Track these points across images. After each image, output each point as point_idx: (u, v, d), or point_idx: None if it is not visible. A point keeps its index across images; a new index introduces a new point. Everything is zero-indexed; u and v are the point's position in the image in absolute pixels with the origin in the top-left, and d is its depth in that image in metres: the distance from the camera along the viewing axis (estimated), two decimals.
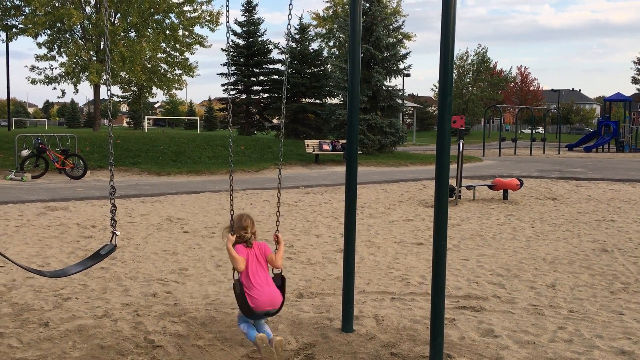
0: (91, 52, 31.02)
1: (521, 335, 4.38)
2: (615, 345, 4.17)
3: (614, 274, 6.25)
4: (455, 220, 9.76)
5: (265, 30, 38.10)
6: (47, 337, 4.26)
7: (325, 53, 40.62)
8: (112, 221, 3.91)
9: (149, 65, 33.04)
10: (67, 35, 31.59)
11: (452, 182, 11.62)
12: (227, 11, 4.07)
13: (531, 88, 74.57)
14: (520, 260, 6.91)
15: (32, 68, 31.85)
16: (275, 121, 39.33)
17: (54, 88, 33.53)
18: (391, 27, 28.35)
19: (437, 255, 3.76)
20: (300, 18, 34.03)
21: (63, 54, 31.49)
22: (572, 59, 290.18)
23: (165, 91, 35.16)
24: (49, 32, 30.72)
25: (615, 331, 4.48)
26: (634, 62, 60.02)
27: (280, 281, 3.76)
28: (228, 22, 4.15)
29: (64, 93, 48.56)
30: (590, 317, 4.83)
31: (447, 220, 3.78)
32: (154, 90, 37.35)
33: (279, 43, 40.29)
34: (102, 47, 30.67)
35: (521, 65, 77.01)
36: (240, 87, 36.85)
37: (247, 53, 36.09)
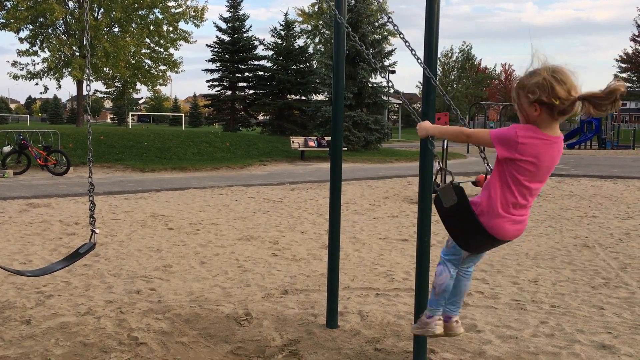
0: (74, 48, 30.70)
1: (504, 330, 4.42)
2: (596, 340, 4.23)
3: (595, 269, 6.33)
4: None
5: (251, 26, 37.88)
6: (29, 335, 4.23)
7: (310, 49, 40.56)
8: (91, 219, 3.87)
9: (132, 61, 32.78)
10: (50, 30, 31.23)
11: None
12: None
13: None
14: (503, 256, 6.97)
15: (14, 63, 31.45)
16: (260, 117, 39.21)
17: (37, 84, 33.07)
18: (376, 23, 28.40)
19: (421, 251, 3.78)
20: (286, 14, 33.95)
21: (45, 49, 31.13)
22: (555, 57, 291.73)
23: (150, 87, 34.93)
24: (31, 27, 30.35)
25: (596, 325, 4.54)
26: (616, 60, 60.77)
27: None
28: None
29: (46, 89, 48.01)
30: (571, 311, 4.89)
31: (430, 216, 3.81)
32: (138, 86, 37.06)
33: (264, 39, 40.14)
34: (84, 42, 30.36)
35: (505, 63, 77.61)
36: (225, 84, 36.68)
37: (232, 49, 35.91)
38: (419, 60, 3.56)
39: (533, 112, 2.65)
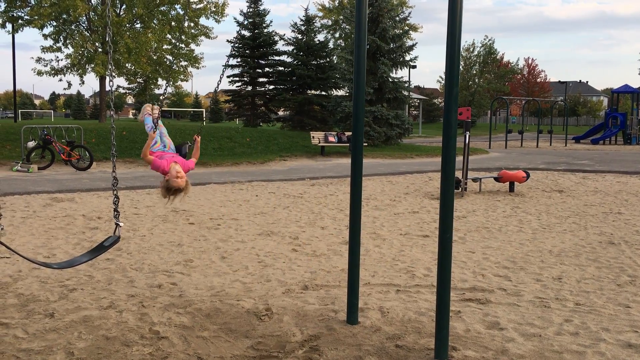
0: (97, 44, 30.99)
1: (527, 327, 4.36)
2: (622, 339, 4.14)
3: (620, 267, 6.22)
4: (461, 213, 9.72)
5: (271, 21, 37.88)
6: (53, 328, 4.28)
7: (331, 45, 40.43)
8: (115, 212, 3.91)
9: (154, 57, 33.01)
10: (73, 27, 31.55)
11: (458, 174, 11.57)
12: None
13: (538, 80, 74.13)
14: (527, 253, 6.88)
15: (38, 60, 31.84)
16: (280, 113, 39.24)
17: (60, 80, 33.54)
18: (397, 18, 28.19)
19: (442, 247, 3.74)
20: (306, 9, 33.87)
21: (69, 46, 31.47)
22: (578, 51, 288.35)
23: (171, 83, 35.13)
24: (54, 23, 30.69)
25: (621, 324, 4.45)
26: None
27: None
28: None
29: (70, 85, 48.54)
30: (596, 310, 4.80)
31: (452, 212, 3.76)
32: (160, 82, 37.32)
33: (284, 34, 40.14)
34: (107, 38, 30.70)
35: (529, 57, 76.58)
36: (245, 79, 36.76)
37: (253, 44, 35.95)
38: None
39: None
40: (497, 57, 64.13)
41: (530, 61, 74.87)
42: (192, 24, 32.50)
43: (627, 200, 11.32)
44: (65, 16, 29.94)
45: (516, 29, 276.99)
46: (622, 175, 16.40)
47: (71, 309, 4.71)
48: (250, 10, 36.57)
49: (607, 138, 36.08)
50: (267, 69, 36.70)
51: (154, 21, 31.96)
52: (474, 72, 63.67)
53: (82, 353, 3.84)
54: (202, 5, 32.08)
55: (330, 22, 51.97)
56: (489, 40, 65.63)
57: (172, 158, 4.31)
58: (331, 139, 22.72)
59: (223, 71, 4.51)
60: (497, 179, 12.85)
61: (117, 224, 3.94)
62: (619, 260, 6.51)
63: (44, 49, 31.06)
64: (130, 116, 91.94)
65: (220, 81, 4.63)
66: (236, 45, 34.09)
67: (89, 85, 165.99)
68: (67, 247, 6.88)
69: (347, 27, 46.15)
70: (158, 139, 4.38)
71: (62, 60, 32.11)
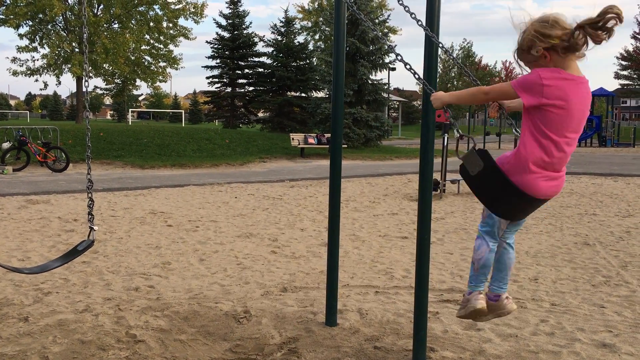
0: (73, 44, 30.62)
1: (504, 328, 4.40)
2: (597, 338, 4.20)
3: (595, 267, 6.31)
4: (440, 214, 9.79)
5: (251, 23, 37.87)
6: (27, 332, 4.20)
7: (310, 46, 40.47)
8: (90, 216, 3.86)
9: (132, 58, 32.72)
10: (49, 27, 31.17)
11: (437, 176, 11.65)
12: None
13: None
14: None
15: (14, 60, 31.40)
16: (260, 114, 39.17)
17: (36, 80, 33.13)
18: (377, 20, 28.33)
19: (420, 248, 3.76)
20: (286, 11, 33.88)
21: (45, 46, 31.08)
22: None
23: (150, 84, 34.87)
24: (30, 23, 30.28)
25: (596, 324, 4.52)
26: (617, 58, 60.59)
27: None
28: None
29: (46, 85, 48.16)
30: (572, 310, 4.86)
31: (431, 213, 3.79)
32: (138, 82, 37.02)
33: (264, 36, 40.09)
34: (83, 38, 30.38)
35: (506, 60, 77.40)
36: (225, 80, 36.63)
37: (232, 46, 35.86)
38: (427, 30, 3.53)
39: (546, 61, 2.61)
40: (476, 60, 64.77)
41: (507, 64, 75.76)
42: (170, 25, 32.29)
43: (602, 202, 11.50)
44: (41, 16, 29.56)
45: (493, 32, 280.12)
46: (597, 177, 16.67)
47: (46, 312, 4.63)
48: (230, 11, 36.46)
49: (582, 140, 36.62)
50: (246, 71, 36.65)
51: (132, 21, 31.68)
52: (453, 74, 64.23)
53: (57, 357, 3.79)
54: (180, 5, 31.90)
55: (310, 24, 52.05)
56: (467, 43, 66.31)
57: None
58: (311, 140, 22.73)
59: None
60: None
61: (91, 228, 3.89)
62: (593, 261, 6.60)
63: (20, 49, 30.63)
64: (108, 117, 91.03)
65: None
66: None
67: (66, 85, 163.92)
68: (42, 250, 6.78)
69: (326, 29, 46.24)
70: None
71: (38, 60, 31.73)
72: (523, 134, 2.71)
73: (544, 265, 6.45)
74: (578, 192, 13.01)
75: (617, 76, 63.25)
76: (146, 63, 33.83)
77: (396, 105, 57.44)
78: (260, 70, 35.78)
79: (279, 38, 33.12)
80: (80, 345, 3.99)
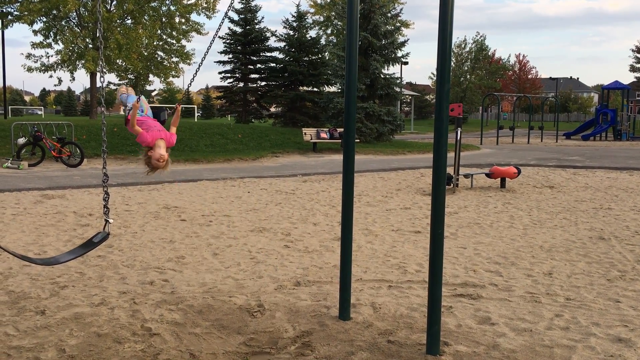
0: (87, 40, 30.78)
1: (518, 322, 4.39)
2: (612, 333, 4.18)
3: (610, 262, 6.26)
4: (453, 209, 9.76)
5: (263, 17, 37.73)
6: (44, 325, 4.26)
7: (322, 41, 40.35)
8: (105, 209, 3.90)
9: (145, 53, 32.84)
10: (63, 23, 31.32)
11: (450, 170, 11.61)
12: None
13: (529, 76, 74.40)
14: (518, 248, 6.91)
15: (28, 56, 31.59)
16: (272, 109, 39.17)
17: (51, 76, 33.27)
18: (389, 14, 28.19)
19: (434, 243, 3.75)
20: (298, 5, 33.80)
21: (59, 42, 31.25)
22: (568, 48, 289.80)
23: (162, 79, 34.98)
24: (44, 19, 30.46)
25: (611, 319, 4.49)
26: (632, 50, 59.93)
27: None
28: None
29: (60, 81, 48.17)
30: (587, 304, 4.84)
31: (444, 208, 3.78)
32: (151, 78, 37.13)
33: (276, 31, 40.06)
34: (97, 34, 30.52)
35: (519, 54, 76.81)
36: (237, 75, 36.66)
37: (245, 41, 35.85)
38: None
39: None
40: (489, 54, 64.29)
41: (521, 58, 75.15)
42: (183, 20, 32.35)
43: (617, 196, 11.39)
44: (55, 12, 29.71)
45: (505, 25, 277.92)
46: (612, 171, 16.51)
47: (62, 306, 4.69)
48: (242, 6, 36.45)
49: (597, 134, 36.28)
50: (258, 66, 36.61)
51: (145, 17, 31.77)
52: (466, 68, 63.81)
53: (73, 350, 3.83)
54: (193, 1, 31.94)
55: (322, 19, 51.87)
56: (481, 36, 65.81)
57: (159, 133, 4.22)
58: (323, 135, 22.70)
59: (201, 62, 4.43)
60: (488, 175, 12.90)
61: (106, 220, 3.93)
62: (609, 256, 6.55)
63: (34, 45, 30.82)
64: (122, 112, 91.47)
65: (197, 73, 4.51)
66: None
67: (80, 81, 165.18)
68: (58, 244, 6.85)
69: (338, 23, 46.08)
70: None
71: (52, 56, 31.88)
72: None
73: (558, 259, 6.41)
74: (593, 186, 12.90)
75: (633, 69, 62.63)
76: (159, 58, 33.94)
77: (409, 100, 57.25)
78: (272, 65, 35.72)
79: (291, 33, 33.04)
80: (96, 338, 4.04)
